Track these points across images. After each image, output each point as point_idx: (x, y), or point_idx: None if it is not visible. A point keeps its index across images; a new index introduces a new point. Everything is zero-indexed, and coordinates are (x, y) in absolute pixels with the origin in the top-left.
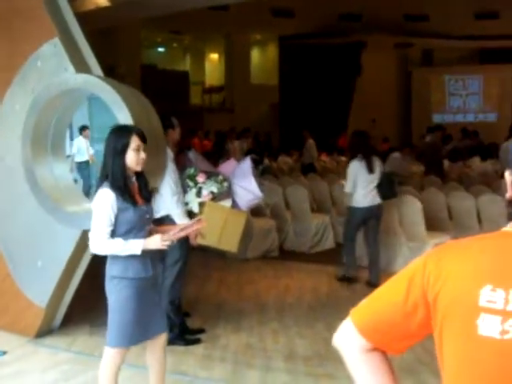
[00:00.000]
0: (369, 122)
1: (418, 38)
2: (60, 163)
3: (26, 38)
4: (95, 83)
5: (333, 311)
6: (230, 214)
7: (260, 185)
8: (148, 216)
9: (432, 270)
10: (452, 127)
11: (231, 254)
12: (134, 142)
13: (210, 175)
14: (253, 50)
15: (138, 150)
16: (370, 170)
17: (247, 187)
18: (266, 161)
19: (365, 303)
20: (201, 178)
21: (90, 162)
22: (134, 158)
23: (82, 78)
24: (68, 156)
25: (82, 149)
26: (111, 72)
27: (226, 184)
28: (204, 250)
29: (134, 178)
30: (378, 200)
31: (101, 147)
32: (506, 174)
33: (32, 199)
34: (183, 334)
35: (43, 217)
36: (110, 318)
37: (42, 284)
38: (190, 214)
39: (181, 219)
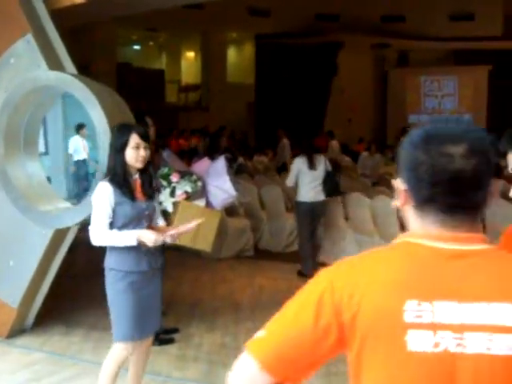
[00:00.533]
0: (345, 122)
1: (394, 39)
2: (33, 161)
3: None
4: (68, 81)
5: None
6: (204, 213)
7: (235, 183)
8: (147, 212)
9: (343, 287)
10: None
11: (206, 253)
12: (134, 140)
13: (183, 175)
14: (229, 49)
15: (137, 147)
16: (311, 167)
17: (221, 186)
18: (241, 159)
19: (264, 335)
20: (175, 178)
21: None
22: (132, 155)
23: (54, 76)
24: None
25: (79, 147)
26: (86, 70)
27: (199, 183)
28: (179, 249)
29: (136, 175)
30: (321, 197)
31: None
32: (397, 181)
33: (4, 198)
34: (157, 333)
35: (15, 216)
36: (110, 311)
37: (13, 284)
38: (165, 214)
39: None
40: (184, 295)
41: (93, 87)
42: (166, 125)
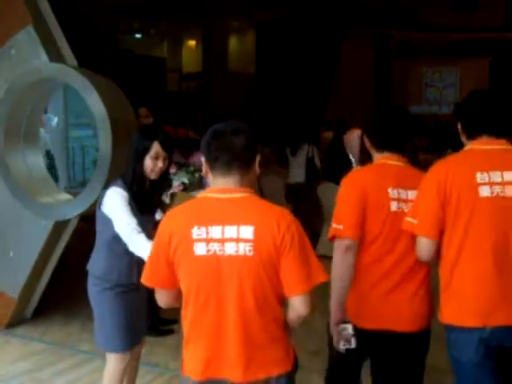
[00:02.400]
0: (347, 111)
1: (396, 30)
2: (33, 153)
3: (0, 25)
4: (68, 72)
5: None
6: None
7: None
8: (149, 227)
9: (166, 231)
10: (428, 118)
11: None
12: (154, 148)
13: (181, 166)
14: (231, 38)
15: (156, 158)
16: (292, 152)
17: None
18: None
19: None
20: (172, 169)
21: None
22: (150, 165)
23: (54, 67)
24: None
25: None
26: (88, 57)
27: (197, 175)
28: None
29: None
30: (300, 179)
31: (78, 133)
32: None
33: (4, 189)
34: (156, 324)
35: (15, 207)
36: (96, 321)
37: (13, 274)
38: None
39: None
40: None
41: (93, 79)
42: (166, 113)
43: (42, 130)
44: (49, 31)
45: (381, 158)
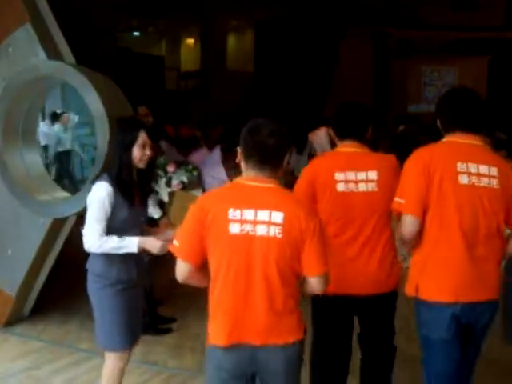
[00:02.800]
0: None
1: (395, 29)
2: (31, 151)
3: None
4: (66, 70)
5: (303, 302)
6: None
7: (234, 173)
8: (142, 218)
9: (203, 209)
10: (427, 117)
11: None
12: (141, 138)
13: (180, 165)
14: (229, 36)
15: (143, 146)
16: (299, 151)
17: (217, 176)
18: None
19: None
20: (171, 168)
21: None
22: (138, 154)
23: (52, 65)
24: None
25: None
26: (86, 55)
27: (195, 173)
28: None
29: (134, 177)
30: None
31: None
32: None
33: (2, 187)
34: (154, 322)
35: (13, 205)
36: (96, 319)
37: (11, 272)
38: (161, 204)
39: (151, 209)
40: (182, 285)
41: (91, 77)
42: (164, 111)
43: (58, 128)
44: (47, 29)
45: (340, 146)
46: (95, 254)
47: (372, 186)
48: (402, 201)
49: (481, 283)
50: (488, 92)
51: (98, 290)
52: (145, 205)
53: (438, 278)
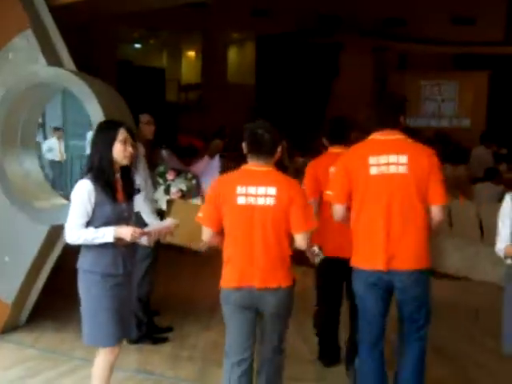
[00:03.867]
0: None
1: (394, 42)
2: (30, 158)
3: None
4: (66, 77)
5: (304, 310)
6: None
7: None
8: (126, 214)
9: (217, 188)
10: (426, 132)
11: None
12: (122, 134)
13: (179, 173)
14: (230, 49)
15: (124, 142)
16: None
17: None
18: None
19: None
20: (170, 176)
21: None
22: (120, 150)
23: (52, 71)
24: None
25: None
26: (86, 67)
27: (193, 181)
28: (177, 248)
29: (118, 175)
30: None
31: (76, 143)
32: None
33: (0, 194)
34: (151, 332)
35: (11, 211)
36: (82, 313)
37: (8, 280)
38: (160, 212)
39: (149, 217)
40: (179, 294)
41: (91, 83)
42: (165, 124)
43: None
44: (47, 35)
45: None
46: (84, 251)
47: (403, 168)
48: (331, 193)
49: (398, 254)
50: (489, 107)
51: (88, 286)
52: (130, 201)
53: (359, 249)
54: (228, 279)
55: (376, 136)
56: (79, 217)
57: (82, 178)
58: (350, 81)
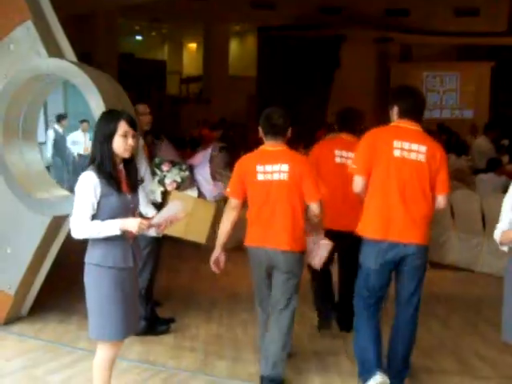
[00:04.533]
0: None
1: (397, 33)
2: (31, 149)
3: (0, 20)
4: (68, 68)
5: (304, 303)
6: (196, 203)
7: (220, 175)
8: (132, 205)
9: (241, 167)
10: (429, 123)
11: (204, 244)
12: (122, 127)
13: (174, 164)
14: (231, 41)
15: (125, 136)
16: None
17: (204, 176)
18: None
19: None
20: (165, 167)
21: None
22: (121, 144)
23: (54, 63)
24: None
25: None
26: (88, 59)
27: (187, 172)
28: (177, 240)
29: (121, 166)
30: None
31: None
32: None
33: (2, 185)
34: (153, 323)
35: (13, 203)
36: (89, 308)
37: (10, 271)
38: (155, 204)
39: (145, 208)
40: (181, 286)
41: (92, 75)
42: (166, 116)
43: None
44: (48, 26)
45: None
46: (92, 245)
47: (422, 157)
48: (354, 166)
49: (409, 228)
50: (492, 98)
51: (96, 280)
52: (134, 192)
53: (374, 220)
54: (250, 239)
55: (400, 123)
56: (85, 210)
57: (85, 170)
58: (352, 72)
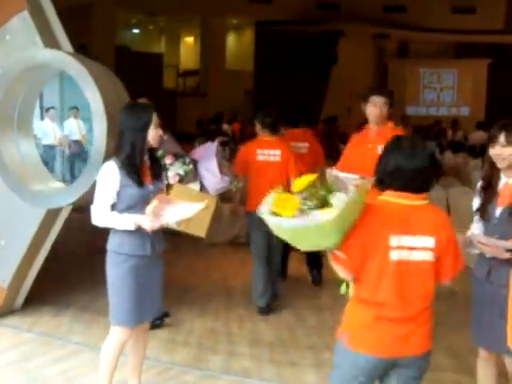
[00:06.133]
0: (344, 111)
1: (394, 30)
2: (26, 140)
3: None
4: (64, 59)
5: (299, 298)
6: (198, 197)
7: (227, 168)
8: (152, 195)
9: (243, 152)
10: (425, 120)
11: (200, 238)
12: (155, 118)
13: (177, 157)
14: (229, 35)
15: (156, 126)
16: None
17: (210, 169)
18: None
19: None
20: (168, 160)
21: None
22: (154, 134)
23: (50, 53)
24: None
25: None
26: (84, 52)
27: (191, 166)
28: (174, 234)
29: (146, 156)
30: None
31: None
32: None
33: None
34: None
35: (7, 195)
36: (109, 294)
37: (4, 263)
38: None
39: None
40: (176, 280)
41: (89, 66)
42: (163, 110)
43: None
44: (44, 17)
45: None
46: (112, 232)
47: None
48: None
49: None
50: (488, 95)
51: (113, 266)
52: (157, 182)
53: None
54: (249, 205)
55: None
56: (105, 199)
57: (107, 160)
58: (349, 68)
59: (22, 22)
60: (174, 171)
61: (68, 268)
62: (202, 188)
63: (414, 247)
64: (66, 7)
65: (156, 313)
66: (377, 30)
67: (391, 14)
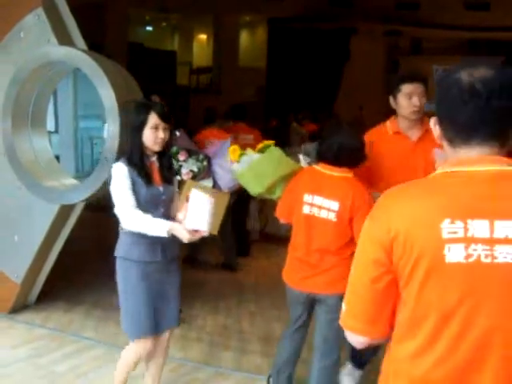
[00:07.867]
0: (356, 108)
1: (407, 27)
2: (40, 137)
3: (11, 7)
4: (77, 56)
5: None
6: (211, 194)
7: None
8: (164, 197)
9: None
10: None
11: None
12: (152, 120)
13: (191, 154)
14: (242, 32)
15: (155, 128)
16: None
17: (224, 166)
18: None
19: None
20: (182, 156)
21: None
22: (150, 136)
23: (64, 51)
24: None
25: None
26: (97, 49)
27: (205, 163)
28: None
29: (154, 158)
30: None
31: (86, 124)
32: None
33: (10, 173)
34: None
35: (21, 191)
36: (121, 305)
37: (18, 259)
38: None
39: None
40: (188, 277)
41: (102, 63)
42: (176, 107)
43: None
44: (59, 14)
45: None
46: (120, 238)
47: None
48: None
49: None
50: None
51: (122, 273)
52: (168, 184)
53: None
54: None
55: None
56: (126, 199)
57: (117, 160)
58: (362, 65)
59: (36, 20)
60: (188, 168)
61: (81, 264)
62: (215, 185)
63: (322, 206)
64: (80, 4)
65: (173, 322)
66: (389, 27)
67: (403, 11)
